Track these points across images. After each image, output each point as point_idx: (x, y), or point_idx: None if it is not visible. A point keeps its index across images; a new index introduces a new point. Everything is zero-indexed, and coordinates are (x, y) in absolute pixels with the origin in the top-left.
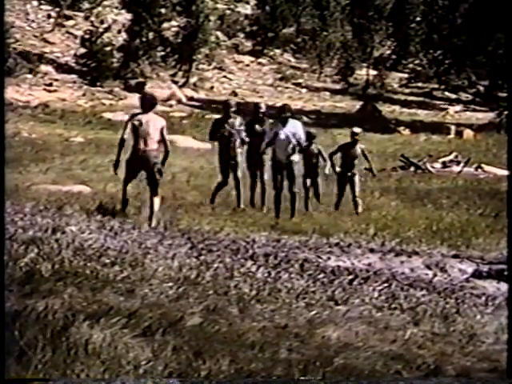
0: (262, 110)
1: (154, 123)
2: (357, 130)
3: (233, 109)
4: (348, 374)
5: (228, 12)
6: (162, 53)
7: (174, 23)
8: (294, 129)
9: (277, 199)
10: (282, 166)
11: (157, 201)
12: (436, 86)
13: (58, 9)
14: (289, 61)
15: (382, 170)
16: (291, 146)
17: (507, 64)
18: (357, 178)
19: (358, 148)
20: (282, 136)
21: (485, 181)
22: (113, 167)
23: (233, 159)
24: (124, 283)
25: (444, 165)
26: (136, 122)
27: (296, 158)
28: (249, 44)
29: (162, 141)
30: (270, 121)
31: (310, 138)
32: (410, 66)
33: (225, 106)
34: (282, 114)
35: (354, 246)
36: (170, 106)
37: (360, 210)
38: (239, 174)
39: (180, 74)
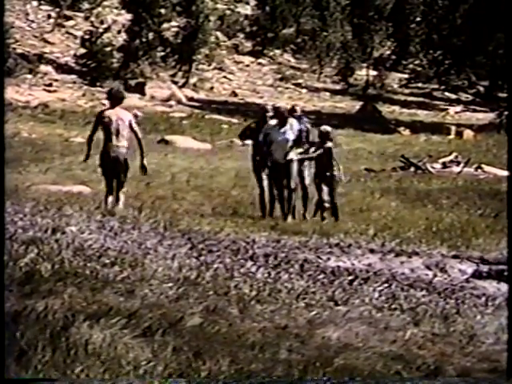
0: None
1: (121, 118)
2: (325, 128)
3: (269, 114)
4: (348, 374)
5: (228, 12)
6: (162, 53)
7: (173, 23)
8: (291, 127)
9: (272, 200)
10: (279, 166)
11: (122, 197)
12: (436, 86)
13: (57, 9)
14: (289, 61)
15: (381, 170)
16: (289, 145)
17: (507, 64)
18: (336, 180)
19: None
20: (279, 136)
21: (485, 181)
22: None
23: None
24: (124, 283)
25: (444, 165)
26: (105, 119)
27: (293, 156)
28: (249, 44)
29: (134, 135)
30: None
31: (324, 135)
32: (410, 66)
33: (261, 111)
34: (292, 114)
35: (354, 246)
36: (170, 106)
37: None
38: (265, 183)
39: (180, 74)
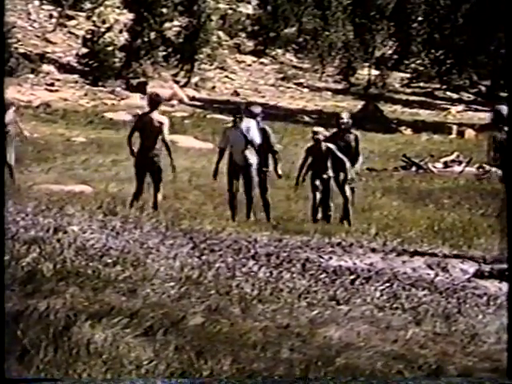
0: (343, 121)
1: (158, 121)
2: (317, 129)
3: (344, 121)
4: (350, 373)
5: (230, 12)
6: (164, 53)
7: (175, 23)
8: (248, 128)
9: (232, 202)
10: (239, 168)
11: (159, 197)
12: (438, 85)
13: (59, 9)
14: (290, 61)
15: (383, 169)
16: (248, 147)
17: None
18: (332, 182)
19: (324, 147)
20: (236, 137)
21: (486, 181)
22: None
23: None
24: (126, 283)
25: (446, 165)
26: (142, 122)
27: (254, 160)
28: (251, 44)
29: (162, 138)
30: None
31: (314, 134)
32: (412, 65)
33: (336, 120)
34: (237, 114)
35: (356, 245)
36: (172, 105)
37: (331, 217)
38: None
39: (182, 73)
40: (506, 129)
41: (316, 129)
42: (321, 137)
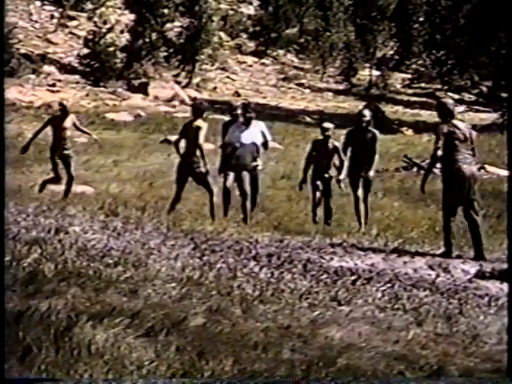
0: (366, 119)
1: (195, 128)
2: (327, 125)
3: (367, 118)
4: (351, 374)
5: (231, 12)
6: (165, 53)
7: (177, 24)
8: (258, 130)
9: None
10: (246, 171)
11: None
12: (439, 86)
13: (61, 9)
14: (292, 61)
15: (384, 170)
16: (255, 149)
17: (508, 65)
18: (333, 182)
19: (331, 145)
20: (245, 139)
21: (487, 181)
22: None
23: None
24: (127, 283)
25: None
26: (185, 130)
27: (259, 163)
28: (252, 44)
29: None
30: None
31: (324, 131)
32: (413, 66)
33: (357, 116)
34: (246, 113)
35: (357, 246)
36: (173, 106)
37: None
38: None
39: (183, 74)
40: (454, 122)
41: (326, 125)
42: (330, 133)
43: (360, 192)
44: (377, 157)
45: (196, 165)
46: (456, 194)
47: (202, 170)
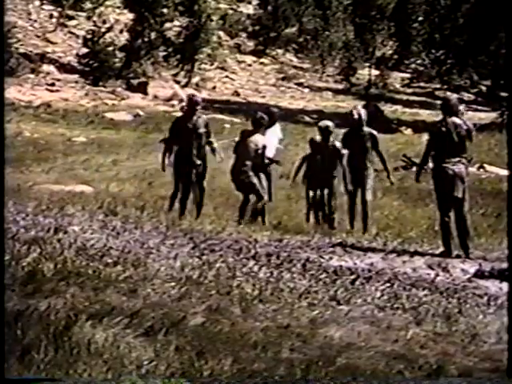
0: (356, 117)
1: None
2: (323, 123)
3: (356, 117)
4: (350, 373)
5: (230, 12)
6: (164, 53)
7: (176, 23)
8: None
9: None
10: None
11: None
12: (438, 85)
13: (60, 9)
14: (291, 61)
15: (383, 169)
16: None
17: (507, 64)
18: (336, 183)
19: (331, 147)
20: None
21: (487, 180)
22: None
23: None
24: (126, 283)
25: None
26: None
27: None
28: (251, 44)
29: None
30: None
31: (325, 132)
32: (412, 65)
33: (349, 116)
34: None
35: (356, 245)
36: (172, 105)
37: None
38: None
39: (182, 73)
40: (453, 119)
41: (322, 124)
42: (330, 133)
43: (359, 194)
44: (385, 158)
45: (246, 174)
46: (444, 194)
47: (253, 179)
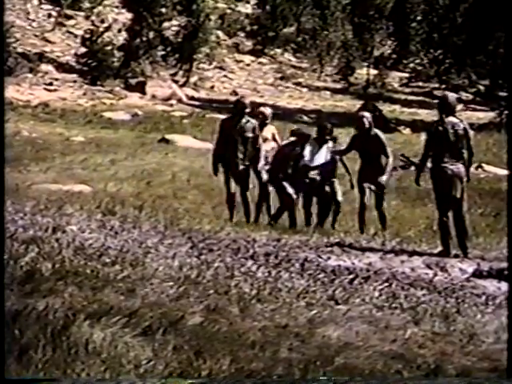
0: (367, 121)
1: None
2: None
3: (368, 120)
4: (348, 373)
5: (228, 11)
6: (163, 52)
7: (174, 22)
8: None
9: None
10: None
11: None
12: (436, 85)
13: (58, 8)
14: (289, 60)
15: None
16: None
17: (507, 63)
18: (336, 184)
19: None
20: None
21: (485, 180)
22: None
23: None
24: (124, 282)
25: None
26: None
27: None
28: (249, 43)
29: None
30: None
31: (323, 132)
32: (411, 65)
33: (358, 120)
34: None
35: (355, 245)
36: (171, 105)
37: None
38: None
39: (180, 73)
40: (450, 119)
41: (323, 125)
42: (329, 134)
43: (366, 199)
44: (390, 160)
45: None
46: (443, 193)
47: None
